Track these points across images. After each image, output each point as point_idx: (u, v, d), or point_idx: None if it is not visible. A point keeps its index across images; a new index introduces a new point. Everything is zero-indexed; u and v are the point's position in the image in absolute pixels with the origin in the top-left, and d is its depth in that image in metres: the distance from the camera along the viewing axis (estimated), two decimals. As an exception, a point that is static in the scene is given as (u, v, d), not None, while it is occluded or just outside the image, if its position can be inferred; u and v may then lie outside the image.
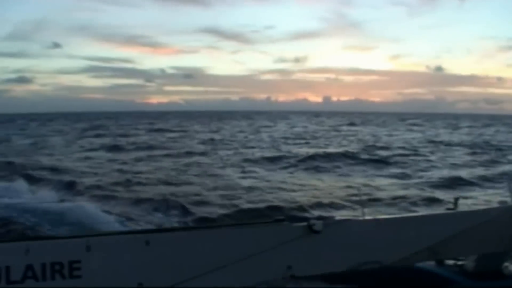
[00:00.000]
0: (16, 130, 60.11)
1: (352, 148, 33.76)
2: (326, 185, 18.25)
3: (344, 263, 4.44)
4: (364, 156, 28.38)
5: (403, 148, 34.31)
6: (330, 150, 32.08)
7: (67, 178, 19.48)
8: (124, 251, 4.07)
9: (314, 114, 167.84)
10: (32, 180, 18.71)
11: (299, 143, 38.96)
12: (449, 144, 37.92)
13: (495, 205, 5.40)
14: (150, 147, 34.69)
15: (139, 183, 18.25)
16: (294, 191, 16.96)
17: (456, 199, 5.29)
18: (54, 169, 22.20)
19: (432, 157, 28.48)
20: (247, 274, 4.16)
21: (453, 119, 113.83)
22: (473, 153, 30.83)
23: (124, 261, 4.02)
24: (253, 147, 35.03)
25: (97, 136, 48.20)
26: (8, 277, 3.77)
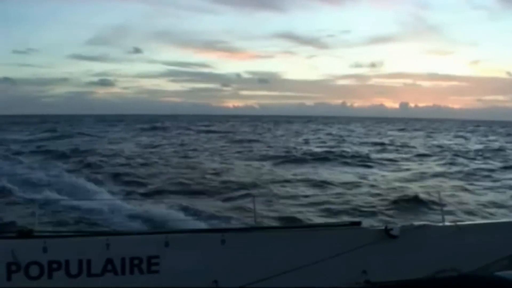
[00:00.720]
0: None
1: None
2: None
3: (421, 270, 4.11)
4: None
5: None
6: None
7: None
8: (201, 248, 4.16)
9: (389, 120, 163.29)
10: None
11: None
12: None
13: None
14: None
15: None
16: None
17: None
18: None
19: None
20: (321, 277, 4.08)
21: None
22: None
23: (200, 259, 4.10)
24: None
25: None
26: (89, 270, 3.89)
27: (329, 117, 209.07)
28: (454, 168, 24.29)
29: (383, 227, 4.38)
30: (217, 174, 20.89)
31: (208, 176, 20.07)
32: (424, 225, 4.59)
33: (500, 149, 36.81)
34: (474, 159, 29.75)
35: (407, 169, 24.08)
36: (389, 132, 66.77)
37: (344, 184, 18.79)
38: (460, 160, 28.86)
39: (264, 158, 28.42)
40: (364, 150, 34.88)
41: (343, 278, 4.16)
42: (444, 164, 26.30)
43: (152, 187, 17.65)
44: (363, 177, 20.91)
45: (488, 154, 32.48)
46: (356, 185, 18.71)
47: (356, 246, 4.12)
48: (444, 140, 49.92)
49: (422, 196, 14.63)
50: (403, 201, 14.68)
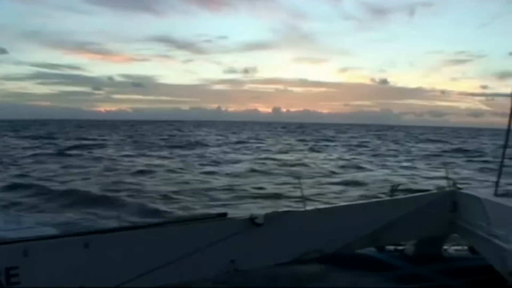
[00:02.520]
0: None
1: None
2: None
3: (287, 254, 4.51)
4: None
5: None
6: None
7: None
8: (63, 254, 3.95)
9: (265, 124, 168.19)
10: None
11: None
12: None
13: (433, 191, 5.59)
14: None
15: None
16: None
17: (395, 186, 5.49)
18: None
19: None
20: (191, 270, 4.18)
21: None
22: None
23: (64, 265, 3.90)
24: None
25: None
26: None
27: (204, 121, 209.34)
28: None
29: (248, 217, 4.44)
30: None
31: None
32: (287, 212, 4.68)
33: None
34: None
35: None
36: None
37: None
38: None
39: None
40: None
41: (213, 268, 4.30)
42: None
43: None
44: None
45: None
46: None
47: (223, 237, 4.22)
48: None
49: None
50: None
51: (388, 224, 4.87)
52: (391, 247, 5.78)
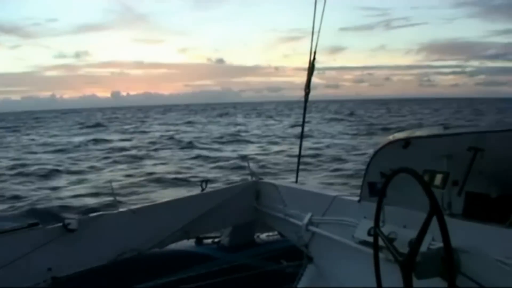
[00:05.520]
0: None
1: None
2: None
3: (103, 257, 4.50)
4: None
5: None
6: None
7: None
8: None
9: (101, 110, 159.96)
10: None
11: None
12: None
13: (239, 183, 6.07)
14: None
15: None
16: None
17: (204, 181, 5.60)
18: None
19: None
20: (7, 282, 3.94)
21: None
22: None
23: None
24: None
25: None
26: None
27: (38, 111, 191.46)
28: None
29: (61, 223, 4.37)
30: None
31: None
32: (100, 215, 4.70)
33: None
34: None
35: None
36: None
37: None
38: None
39: None
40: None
41: (29, 279, 4.16)
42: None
43: None
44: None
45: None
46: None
47: (37, 246, 4.14)
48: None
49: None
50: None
51: (200, 217, 5.14)
52: (209, 240, 6.09)
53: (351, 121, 52.44)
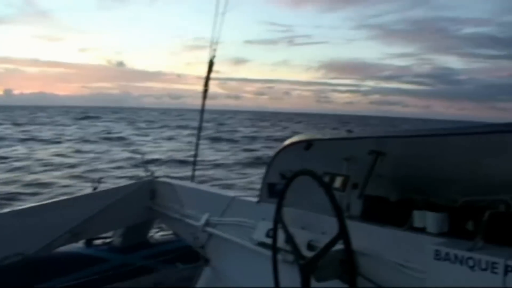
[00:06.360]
0: None
1: None
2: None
3: None
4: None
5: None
6: None
7: None
8: None
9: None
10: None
11: None
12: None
13: (133, 181, 5.63)
14: None
15: None
16: None
17: (97, 180, 5.45)
18: None
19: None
20: None
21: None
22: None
23: None
24: None
25: None
26: None
27: None
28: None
29: None
30: None
31: None
32: None
33: None
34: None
35: None
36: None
37: None
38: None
39: None
40: None
41: None
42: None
43: None
44: None
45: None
46: None
47: None
48: None
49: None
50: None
51: (91, 218, 4.89)
52: (99, 241, 5.78)
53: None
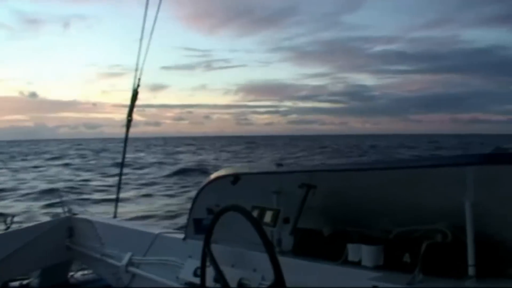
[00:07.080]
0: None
1: None
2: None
3: None
4: None
5: None
6: None
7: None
8: None
9: None
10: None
11: None
12: None
13: (49, 219, 5.29)
14: None
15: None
16: None
17: (9, 218, 5.02)
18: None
19: None
20: None
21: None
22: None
23: None
24: None
25: None
26: None
27: None
28: None
29: None
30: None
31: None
32: None
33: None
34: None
35: None
36: None
37: None
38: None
39: None
40: None
41: None
42: None
43: None
44: None
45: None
46: None
47: None
48: None
49: None
50: None
51: (4, 259, 4.52)
52: (16, 283, 5.28)
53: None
